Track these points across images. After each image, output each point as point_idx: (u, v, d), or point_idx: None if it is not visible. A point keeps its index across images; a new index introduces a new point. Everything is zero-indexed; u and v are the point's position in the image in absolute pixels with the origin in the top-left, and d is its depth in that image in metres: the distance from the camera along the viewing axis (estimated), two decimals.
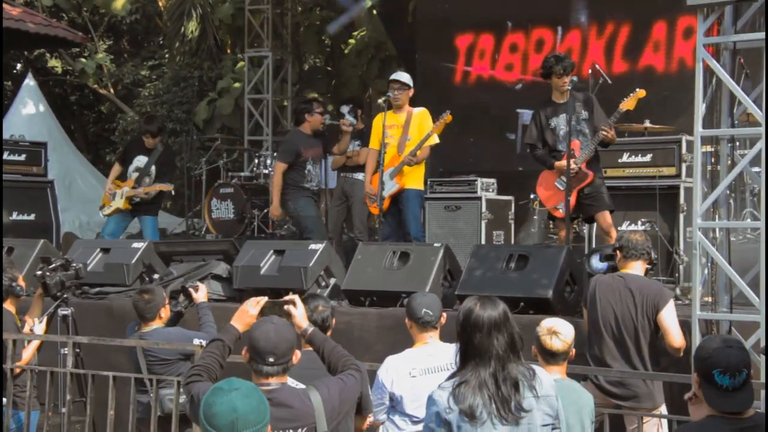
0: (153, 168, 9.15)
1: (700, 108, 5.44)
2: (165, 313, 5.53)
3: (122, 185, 9.17)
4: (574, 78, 6.95)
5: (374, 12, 14.86)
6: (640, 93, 6.91)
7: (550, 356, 4.14)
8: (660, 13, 10.32)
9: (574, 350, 4.23)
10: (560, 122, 7.00)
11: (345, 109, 9.34)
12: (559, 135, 7.01)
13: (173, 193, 10.16)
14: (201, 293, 5.70)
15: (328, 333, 4.35)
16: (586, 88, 7.24)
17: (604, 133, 6.83)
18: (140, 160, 9.20)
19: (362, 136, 9.07)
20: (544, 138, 7.08)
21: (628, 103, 6.92)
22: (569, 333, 4.17)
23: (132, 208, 9.17)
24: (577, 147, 6.95)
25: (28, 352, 5.76)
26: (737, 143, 5.93)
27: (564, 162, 6.90)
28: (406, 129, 7.78)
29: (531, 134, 7.17)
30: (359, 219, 9.00)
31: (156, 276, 7.48)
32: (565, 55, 7.11)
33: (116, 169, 9.37)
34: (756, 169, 5.50)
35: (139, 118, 9.62)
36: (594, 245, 7.40)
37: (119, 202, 9.11)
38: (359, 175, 8.93)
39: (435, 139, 7.76)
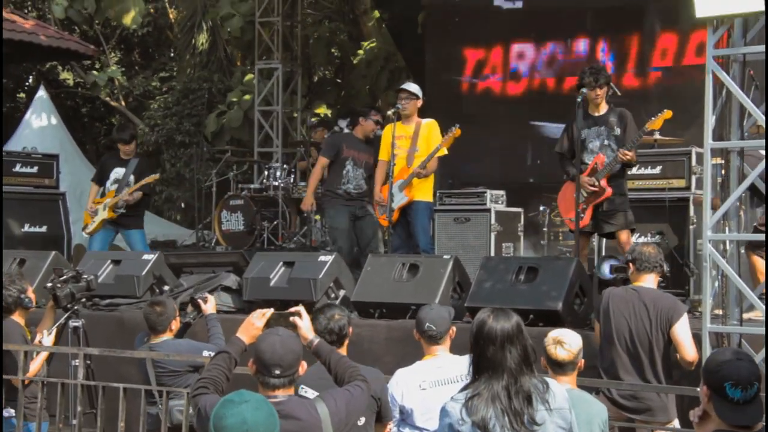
0: (132, 177, 9.07)
1: (709, 120, 5.44)
2: (175, 325, 5.55)
3: (102, 200, 9.14)
4: (583, 91, 6.92)
5: (383, 24, 14.90)
6: (667, 114, 6.81)
7: (557, 366, 4.14)
8: (670, 25, 10.33)
9: (583, 361, 4.22)
10: (590, 135, 6.99)
11: (342, 123, 9.22)
12: (588, 147, 7.00)
13: (154, 198, 10.02)
14: (210, 305, 5.71)
15: (345, 342, 4.36)
16: (626, 104, 7.20)
17: (621, 156, 6.80)
18: (117, 172, 9.15)
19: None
20: (573, 149, 7.07)
21: (653, 124, 6.88)
22: (575, 342, 4.16)
23: (116, 221, 9.07)
24: (601, 162, 6.93)
25: (36, 364, 5.77)
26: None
27: (585, 176, 6.90)
28: (415, 140, 7.79)
29: (561, 144, 7.16)
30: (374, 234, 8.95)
31: (166, 288, 7.50)
32: (598, 68, 7.06)
33: (94, 189, 9.30)
34: None
35: (114, 129, 9.63)
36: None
37: (103, 214, 9.04)
38: None
39: (444, 151, 7.77)
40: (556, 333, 4.19)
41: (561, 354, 4.11)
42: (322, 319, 4.35)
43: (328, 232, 8.64)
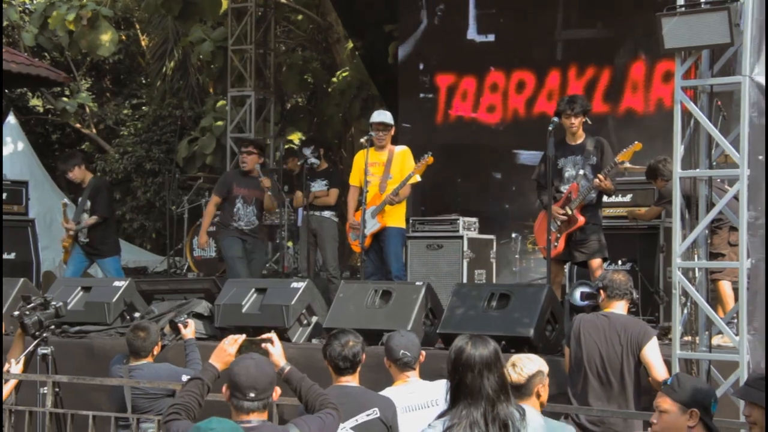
0: (88, 203, 9.06)
1: (678, 149, 5.52)
2: (157, 350, 5.52)
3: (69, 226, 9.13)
4: (555, 119, 6.98)
5: (357, 53, 14.99)
6: (637, 146, 6.88)
7: (514, 389, 4.14)
8: (639, 55, 10.48)
9: (543, 386, 4.18)
10: (567, 163, 7.05)
11: (307, 151, 9.20)
12: (564, 176, 7.05)
13: (124, 225, 10.11)
14: (190, 329, 5.68)
15: (358, 369, 4.37)
16: (596, 132, 7.27)
17: (597, 182, 6.85)
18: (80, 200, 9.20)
19: (330, 176, 9.08)
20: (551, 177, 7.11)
21: (624, 155, 6.95)
22: (528, 366, 4.10)
23: (89, 251, 9.09)
24: (575, 191, 6.99)
25: (4, 392, 5.69)
26: (720, 180, 6.00)
27: (557, 206, 6.95)
28: (388, 167, 7.82)
29: (539, 172, 7.21)
30: (331, 256, 8.96)
31: (137, 314, 7.45)
32: (575, 97, 7.12)
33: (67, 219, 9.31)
34: None
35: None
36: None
37: (65, 240, 9.17)
38: (326, 213, 8.96)
39: (416, 178, 7.82)
40: (515, 356, 4.21)
41: (513, 376, 4.08)
42: (336, 345, 4.35)
43: (225, 261, 8.93)
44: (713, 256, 6.21)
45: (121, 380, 5.40)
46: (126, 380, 5.38)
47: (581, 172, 6.99)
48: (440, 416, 3.39)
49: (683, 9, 5.41)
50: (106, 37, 12.86)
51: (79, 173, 9.09)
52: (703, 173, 5.58)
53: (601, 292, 5.37)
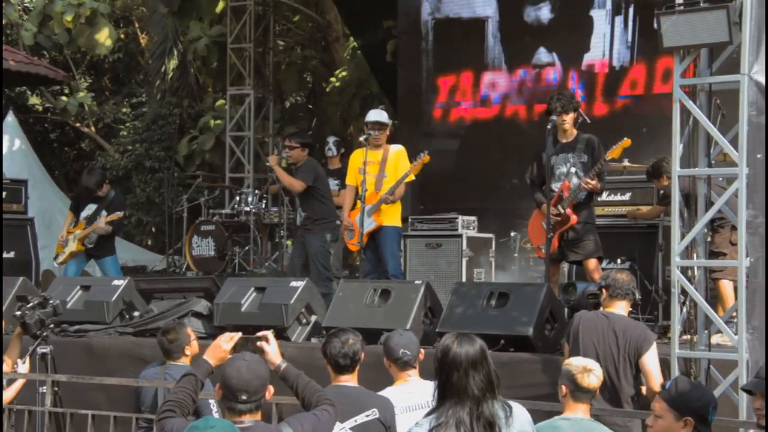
0: (103, 213, 9.22)
1: (677, 148, 5.52)
2: (191, 350, 5.50)
3: (73, 231, 9.27)
4: (554, 117, 6.98)
5: (358, 51, 14.98)
6: (626, 142, 6.89)
7: (583, 393, 4.19)
8: (638, 53, 10.47)
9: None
10: (558, 161, 7.04)
11: (331, 139, 9.34)
12: (555, 174, 7.05)
13: (124, 221, 10.20)
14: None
15: (357, 367, 4.36)
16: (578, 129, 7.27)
17: (584, 184, 6.85)
18: (90, 208, 9.32)
19: (342, 176, 9.10)
20: (543, 176, 7.11)
21: (613, 153, 6.94)
22: (600, 369, 4.27)
23: (87, 251, 9.25)
24: (567, 189, 6.98)
25: (10, 393, 5.70)
26: (721, 179, 6.00)
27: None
28: (383, 166, 7.82)
29: (531, 171, 7.22)
30: (335, 256, 8.97)
31: (136, 314, 7.45)
32: (565, 94, 7.12)
33: (70, 217, 9.46)
34: None
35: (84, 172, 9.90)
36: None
37: (72, 246, 9.23)
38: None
39: (411, 177, 7.82)
40: (580, 361, 4.28)
41: (593, 382, 4.21)
42: (336, 342, 4.35)
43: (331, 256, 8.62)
44: (714, 255, 6.21)
45: (122, 380, 5.40)
46: (132, 381, 5.37)
47: (572, 169, 6.98)
48: (427, 415, 3.40)
49: (682, 7, 5.41)
50: (105, 35, 12.85)
51: (105, 188, 9.36)
52: (702, 172, 5.57)
53: (603, 290, 5.35)
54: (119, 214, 9.28)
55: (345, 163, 9.20)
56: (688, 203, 5.63)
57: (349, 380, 4.40)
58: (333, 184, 9.06)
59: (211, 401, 5.08)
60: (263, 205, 11.35)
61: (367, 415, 4.26)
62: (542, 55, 11.10)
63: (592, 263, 6.97)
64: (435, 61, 11.82)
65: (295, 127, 16.54)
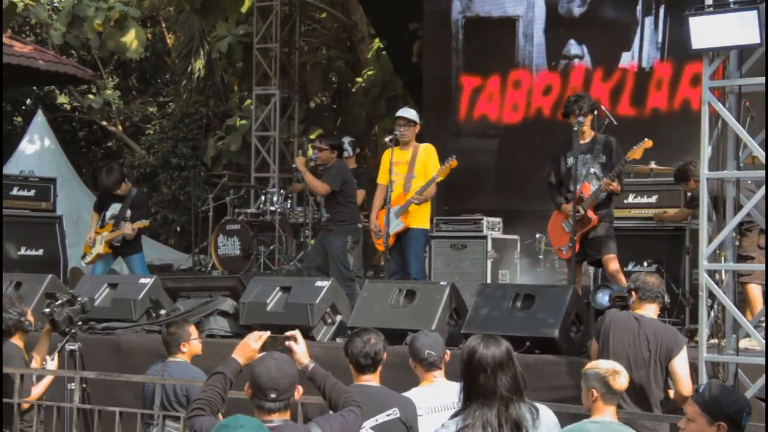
0: (128, 212, 9.24)
1: (705, 150, 5.48)
2: (188, 348, 5.54)
3: (101, 232, 9.30)
4: (580, 119, 6.96)
5: (383, 52, 14.99)
6: (647, 143, 6.87)
7: (613, 395, 4.19)
8: (666, 55, 10.41)
9: None
10: (577, 163, 7.03)
11: (347, 139, 9.41)
12: (574, 176, 7.04)
13: (148, 225, 10.24)
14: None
15: (380, 367, 4.37)
16: (604, 131, 7.25)
17: (605, 186, 6.83)
18: (115, 208, 9.33)
19: (358, 176, 9.10)
20: (561, 177, 7.09)
21: (634, 153, 6.92)
22: (626, 370, 4.29)
23: (113, 251, 9.28)
24: (586, 190, 6.96)
25: (39, 389, 5.76)
26: (750, 182, 5.95)
27: (569, 205, 6.93)
28: (412, 166, 7.83)
29: (549, 173, 7.21)
30: (355, 257, 8.96)
31: (163, 312, 7.50)
32: (581, 95, 7.10)
33: (95, 217, 9.49)
34: None
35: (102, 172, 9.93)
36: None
37: (99, 248, 9.26)
38: None
39: (439, 178, 7.81)
40: (607, 364, 4.27)
41: (623, 383, 4.20)
42: (359, 342, 4.36)
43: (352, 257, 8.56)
44: (742, 258, 6.16)
45: (146, 377, 5.44)
46: (149, 377, 5.41)
47: (591, 170, 6.96)
48: (453, 416, 3.40)
49: (711, 8, 5.37)
50: (134, 38, 12.93)
51: (125, 187, 9.35)
52: (730, 174, 5.54)
53: (633, 293, 5.32)
54: (145, 222, 9.32)
55: (361, 163, 9.25)
56: (716, 206, 5.59)
57: (371, 380, 4.41)
58: None
59: None
60: (288, 205, 11.39)
61: (388, 415, 4.27)
62: (572, 55, 11.06)
63: (612, 264, 6.92)
64: (464, 60, 11.80)
65: (320, 128, 16.63)
